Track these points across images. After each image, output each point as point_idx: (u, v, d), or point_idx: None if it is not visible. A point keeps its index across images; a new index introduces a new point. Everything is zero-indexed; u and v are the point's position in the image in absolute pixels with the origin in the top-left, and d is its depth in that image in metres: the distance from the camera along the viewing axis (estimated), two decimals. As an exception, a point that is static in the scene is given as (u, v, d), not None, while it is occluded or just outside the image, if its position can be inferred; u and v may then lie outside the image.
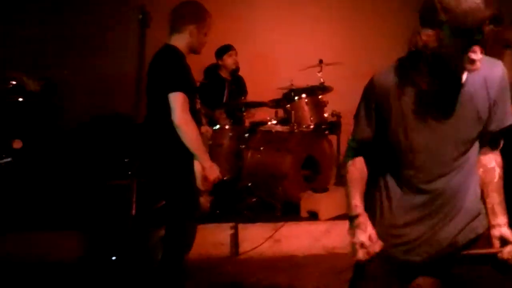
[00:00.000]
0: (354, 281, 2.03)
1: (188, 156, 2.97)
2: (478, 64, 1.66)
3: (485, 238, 1.90)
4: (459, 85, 1.76)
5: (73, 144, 5.11)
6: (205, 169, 3.00)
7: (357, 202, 1.91)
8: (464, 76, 1.76)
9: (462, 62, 1.67)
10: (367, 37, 5.89)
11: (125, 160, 4.47)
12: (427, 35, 1.68)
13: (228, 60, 5.44)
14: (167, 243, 3.07)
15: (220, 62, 5.50)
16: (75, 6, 5.71)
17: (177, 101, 2.85)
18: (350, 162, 2.00)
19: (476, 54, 1.64)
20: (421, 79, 1.74)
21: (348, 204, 1.93)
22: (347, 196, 1.95)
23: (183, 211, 3.04)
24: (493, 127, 1.85)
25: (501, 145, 1.96)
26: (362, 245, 1.81)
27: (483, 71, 1.75)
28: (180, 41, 3.02)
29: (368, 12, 6.06)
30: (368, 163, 1.99)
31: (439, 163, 1.82)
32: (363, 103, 1.92)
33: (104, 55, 5.67)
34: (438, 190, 1.83)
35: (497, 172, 1.93)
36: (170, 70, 2.92)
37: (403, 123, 1.80)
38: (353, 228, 1.87)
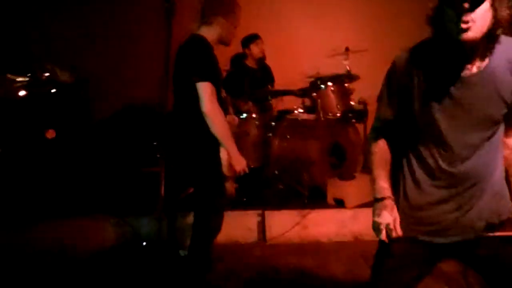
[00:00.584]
0: (378, 257, 2.06)
1: (215, 144, 3.04)
2: (470, 33, 1.64)
3: (509, 221, 1.91)
4: (484, 66, 1.75)
5: (105, 133, 5.23)
6: (232, 158, 3.06)
7: (384, 184, 1.92)
8: (487, 59, 1.75)
9: (456, 33, 1.66)
10: (393, 24, 5.83)
11: (154, 143, 4.55)
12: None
13: (255, 49, 5.47)
14: (195, 228, 3.15)
15: (246, 51, 5.53)
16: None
17: (205, 90, 2.90)
18: (373, 144, 2.01)
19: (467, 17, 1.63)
20: (444, 59, 1.76)
21: (375, 185, 1.93)
22: (373, 177, 1.95)
23: (210, 198, 3.11)
24: None
25: None
26: (387, 225, 1.83)
27: (506, 51, 1.75)
28: (209, 32, 3.06)
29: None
30: (391, 145, 2.00)
31: (463, 144, 1.82)
32: (386, 84, 1.93)
33: (131, 44, 5.77)
34: (464, 171, 1.84)
35: None
36: (198, 59, 2.96)
37: (427, 103, 1.81)
38: (379, 209, 1.88)
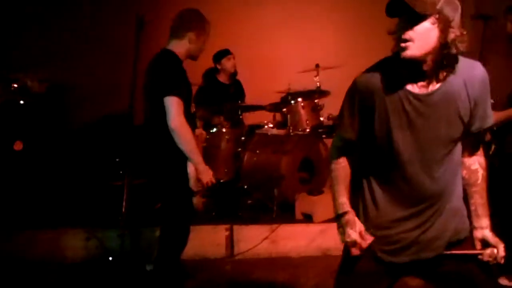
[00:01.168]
0: (341, 274, 2.06)
1: (183, 159, 3.03)
2: (408, 51, 1.69)
3: (468, 239, 1.94)
4: (440, 85, 1.78)
5: (74, 145, 5.17)
6: (199, 171, 3.06)
7: (344, 200, 1.94)
8: (444, 79, 1.78)
9: (399, 49, 1.70)
10: (364, 42, 5.92)
11: (116, 159, 4.52)
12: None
13: (227, 64, 5.50)
14: (161, 243, 3.14)
15: (218, 66, 5.55)
16: (75, 12, 5.80)
17: (172, 104, 2.91)
18: (334, 161, 2.02)
19: (405, 39, 1.68)
20: (403, 77, 1.78)
21: (335, 202, 1.95)
22: (334, 195, 1.97)
23: (177, 212, 3.11)
24: (475, 128, 1.86)
25: (481, 147, 1.99)
26: (352, 242, 1.85)
27: (463, 73, 1.78)
28: (179, 47, 3.08)
29: (365, 17, 6.11)
30: (352, 164, 2.01)
31: (422, 163, 1.83)
32: (346, 103, 1.92)
33: (102, 58, 5.73)
34: (423, 190, 1.85)
35: (481, 173, 1.96)
36: (167, 74, 2.98)
37: (387, 123, 1.82)
38: (342, 226, 1.90)
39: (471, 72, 1.81)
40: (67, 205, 4.55)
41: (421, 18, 1.67)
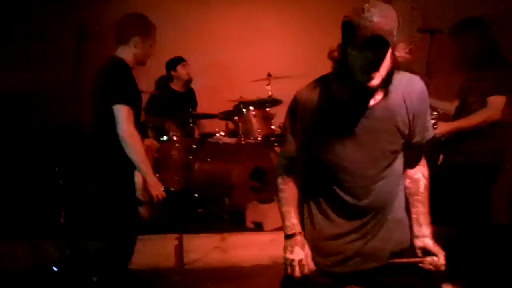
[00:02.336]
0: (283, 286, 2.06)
1: (130, 168, 2.99)
2: (375, 81, 1.70)
3: (409, 250, 1.98)
4: (381, 100, 1.81)
5: (18, 154, 4.97)
6: (149, 183, 3.02)
7: (294, 221, 1.93)
8: (385, 92, 1.82)
9: (362, 78, 1.71)
10: (314, 53, 5.99)
11: (56, 169, 4.39)
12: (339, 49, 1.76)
13: (183, 71, 5.47)
14: (107, 254, 3.09)
15: (173, 73, 5.50)
16: (17, 20, 5.59)
17: (122, 113, 2.86)
18: (281, 181, 2.01)
19: (374, 70, 1.68)
20: (343, 94, 1.81)
21: (285, 222, 1.94)
22: (284, 216, 1.96)
23: (123, 222, 3.05)
24: (415, 141, 1.90)
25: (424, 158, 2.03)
26: (300, 262, 1.86)
27: (402, 87, 1.82)
28: (126, 53, 3.03)
29: (316, 29, 6.19)
30: (298, 179, 2.01)
31: (364, 176, 1.85)
32: (288, 119, 1.93)
33: (44, 67, 5.56)
34: (366, 202, 1.87)
35: (423, 182, 2.00)
36: (115, 82, 2.93)
37: (328, 139, 1.84)
38: (290, 245, 1.89)
39: (410, 87, 1.85)
40: (10, 215, 4.37)
41: (387, 49, 1.69)
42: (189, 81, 5.55)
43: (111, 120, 2.87)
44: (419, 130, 1.89)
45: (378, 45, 1.64)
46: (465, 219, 3.53)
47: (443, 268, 1.91)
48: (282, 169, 2.02)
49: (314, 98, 1.85)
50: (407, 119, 1.85)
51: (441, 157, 3.74)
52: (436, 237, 4.27)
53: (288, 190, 1.99)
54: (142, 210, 4.16)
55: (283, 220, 1.96)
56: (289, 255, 1.88)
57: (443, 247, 4.30)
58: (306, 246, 1.90)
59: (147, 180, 3.01)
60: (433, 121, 3.58)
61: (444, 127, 3.52)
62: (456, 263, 3.82)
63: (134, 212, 3.13)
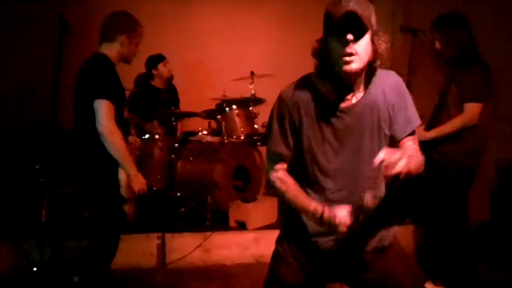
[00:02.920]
0: (267, 284, 2.08)
1: (113, 165, 2.95)
2: (354, 65, 1.70)
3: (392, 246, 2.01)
4: (362, 97, 1.83)
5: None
6: (130, 178, 2.99)
7: (313, 203, 1.85)
8: (365, 90, 1.84)
9: (340, 64, 1.72)
10: (300, 51, 6.00)
11: (36, 166, 4.33)
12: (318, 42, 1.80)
13: (163, 69, 5.42)
14: (89, 252, 3.04)
15: (154, 72, 5.45)
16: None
17: (102, 108, 2.83)
18: (279, 184, 1.95)
19: (352, 52, 1.69)
20: (326, 91, 1.82)
21: (309, 211, 1.84)
22: (302, 208, 1.87)
23: (106, 221, 3.01)
24: (401, 133, 1.89)
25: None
26: (342, 219, 1.77)
27: (380, 83, 1.85)
28: (110, 50, 3.01)
29: (299, 27, 6.21)
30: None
31: (348, 174, 1.87)
32: (275, 117, 1.91)
33: (25, 63, 5.48)
34: (350, 199, 1.86)
35: (414, 147, 1.94)
36: (97, 77, 2.90)
37: (313, 137, 1.85)
38: (327, 223, 1.80)
39: (387, 81, 1.87)
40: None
41: (364, 32, 1.70)
42: (170, 78, 5.51)
43: (92, 117, 2.84)
44: (403, 123, 1.89)
45: (354, 26, 1.67)
46: (444, 218, 3.57)
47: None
48: (274, 166, 1.97)
49: (298, 95, 1.86)
50: (388, 114, 1.86)
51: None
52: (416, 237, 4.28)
53: (291, 186, 1.92)
54: (127, 208, 4.14)
55: (306, 211, 1.86)
56: (334, 227, 1.78)
57: (423, 245, 4.36)
58: (340, 208, 1.82)
59: (129, 174, 2.98)
60: None
61: (421, 136, 3.56)
62: (437, 261, 3.89)
63: (119, 210, 3.10)
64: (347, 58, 1.70)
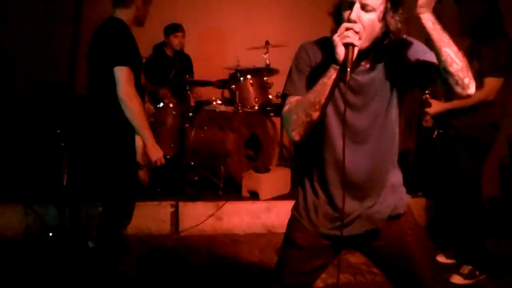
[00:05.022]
0: (284, 248, 2.10)
1: (130, 131, 2.95)
2: (351, 38, 1.69)
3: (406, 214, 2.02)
4: (370, 68, 1.84)
5: (9, 117, 4.93)
6: (148, 147, 2.99)
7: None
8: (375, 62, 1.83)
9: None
10: (315, 20, 5.92)
11: (58, 131, 4.34)
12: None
13: (174, 41, 5.40)
14: (104, 218, 3.06)
15: (166, 40, 5.45)
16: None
17: (122, 74, 2.81)
18: (293, 104, 1.87)
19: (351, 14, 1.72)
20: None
21: (324, 81, 1.77)
22: (318, 88, 1.78)
23: (121, 186, 3.02)
24: (427, 69, 1.79)
25: None
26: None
27: (392, 54, 1.83)
28: (126, 15, 2.97)
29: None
30: (299, 147, 2.00)
31: (359, 137, 1.87)
32: (295, 65, 1.91)
33: (40, 25, 5.45)
34: (363, 166, 1.89)
35: None
36: (117, 43, 2.86)
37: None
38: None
39: (398, 48, 1.85)
40: (4, 179, 4.36)
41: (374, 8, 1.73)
42: (179, 50, 5.48)
43: (111, 82, 2.82)
44: (426, 63, 1.80)
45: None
46: (457, 192, 3.56)
47: None
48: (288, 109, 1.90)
49: (318, 51, 1.88)
50: (401, 76, 1.85)
51: (436, 131, 3.75)
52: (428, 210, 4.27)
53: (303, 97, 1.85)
54: (141, 174, 4.17)
55: (321, 83, 1.77)
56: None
57: (434, 219, 4.35)
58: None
59: (147, 144, 2.98)
60: (425, 97, 3.60)
61: (437, 107, 3.52)
62: (448, 235, 3.90)
63: (134, 175, 3.12)
64: (345, 33, 1.71)
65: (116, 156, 2.99)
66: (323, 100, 1.78)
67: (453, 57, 1.69)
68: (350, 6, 1.74)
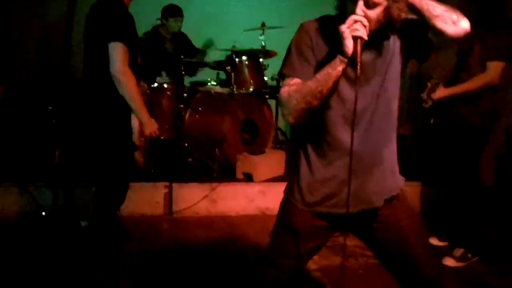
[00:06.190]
0: (277, 228, 2.09)
1: (126, 111, 2.91)
2: (357, 32, 1.67)
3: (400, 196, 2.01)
4: (373, 50, 1.82)
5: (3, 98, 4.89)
6: (142, 122, 2.97)
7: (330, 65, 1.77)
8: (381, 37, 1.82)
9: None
10: (312, 2, 5.90)
11: (49, 108, 4.30)
12: None
13: (173, 25, 5.35)
14: (98, 198, 3.03)
15: (164, 21, 5.38)
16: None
17: (117, 51, 2.75)
18: (293, 88, 1.82)
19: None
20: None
21: (329, 71, 1.74)
22: (320, 77, 1.76)
23: (116, 167, 2.99)
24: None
25: None
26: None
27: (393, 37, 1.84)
28: None
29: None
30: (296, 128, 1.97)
31: (360, 116, 1.83)
32: (295, 45, 1.86)
33: (36, 6, 5.39)
34: (361, 148, 1.86)
35: None
36: (112, 19, 2.80)
37: None
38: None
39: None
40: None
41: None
42: (175, 33, 5.44)
43: (106, 60, 2.76)
44: (412, 24, 1.80)
45: None
46: (455, 179, 3.57)
47: None
48: (287, 85, 1.85)
49: (319, 29, 1.85)
50: (398, 46, 1.86)
51: (433, 116, 3.75)
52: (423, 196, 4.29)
53: (305, 84, 1.82)
54: (137, 156, 4.15)
55: (325, 73, 1.75)
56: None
57: (429, 204, 4.38)
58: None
59: (141, 119, 2.94)
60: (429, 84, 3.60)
61: (442, 92, 3.53)
62: (443, 219, 3.92)
63: (129, 156, 3.09)
64: (354, 25, 1.68)
65: (112, 136, 2.95)
66: (325, 91, 1.76)
67: (434, 4, 1.72)
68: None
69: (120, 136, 2.97)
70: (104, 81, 2.82)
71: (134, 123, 3.00)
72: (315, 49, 1.84)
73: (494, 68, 3.33)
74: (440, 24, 1.71)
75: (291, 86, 1.83)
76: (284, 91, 1.85)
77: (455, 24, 1.72)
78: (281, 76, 1.93)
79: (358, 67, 1.70)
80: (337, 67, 1.73)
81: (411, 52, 1.90)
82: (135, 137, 3.03)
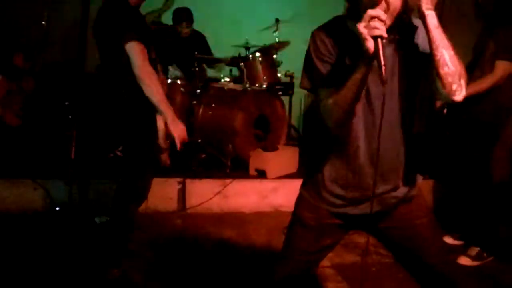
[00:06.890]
0: (292, 227, 2.08)
1: (150, 111, 2.89)
2: (376, 31, 1.60)
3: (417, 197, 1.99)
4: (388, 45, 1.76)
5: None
6: (170, 124, 2.85)
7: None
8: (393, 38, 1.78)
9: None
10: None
11: (66, 103, 4.33)
12: None
13: (182, 30, 5.34)
14: (119, 194, 3.03)
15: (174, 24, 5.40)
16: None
17: (135, 51, 2.72)
18: (330, 100, 1.76)
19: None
20: (355, 38, 1.71)
21: (356, 75, 1.68)
22: (349, 83, 1.70)
23: (141, 165, 2.99)
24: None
25: None
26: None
27: (410, 31, 1.80)
28: None
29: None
30: (311, 128, 1.97)
31: (384, 124, 1.77)
32: (314, 55, 1.82)
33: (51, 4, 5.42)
34: (381, 148, 1.80)
35: None
36: (124, 20, 2.79)
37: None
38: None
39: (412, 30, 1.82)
40: (13, 154, 4.37)
41: None
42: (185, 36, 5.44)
43: (123, 60, 2.75)
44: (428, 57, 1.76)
45: None
46: (467, 175, 3.53)
47: None
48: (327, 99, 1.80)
49: (335, 39, 1.80)
50: (414, 54, 1.81)
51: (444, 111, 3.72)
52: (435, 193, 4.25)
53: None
54: (163, 157, 4.14)
55: (353, 79, 1.69)
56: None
57: (441, 201, 4.36)
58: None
59: (168, 120, 2.84)
60: None
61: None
62: (456, 217, 3.88)
63: (154, 157, 3.04)
64: (372, 23, 1.60)
65: (140, 135, 2.93)
66: (357, 96, 1.72)
67: (447, 59, 1.68)
68: None
69: (145, 137, 2.95)
70: (124, 81, 2.82)
71: (160, 125, 2.95)
72: (334, 54, 1.81)
73: (502, 68, 3.28)
74: (438, 82, 1.71)
75: (328, 99, 1.78)
76: (323, 104, 1.80)
77: (450, 94, 1.72)
78: (313, 90, 1.89)
79: (383, 68, 1.62)
80: (363, 71, 1.68)
81: (421, 70, 1.84)
82: (161, 139, 2.97)
